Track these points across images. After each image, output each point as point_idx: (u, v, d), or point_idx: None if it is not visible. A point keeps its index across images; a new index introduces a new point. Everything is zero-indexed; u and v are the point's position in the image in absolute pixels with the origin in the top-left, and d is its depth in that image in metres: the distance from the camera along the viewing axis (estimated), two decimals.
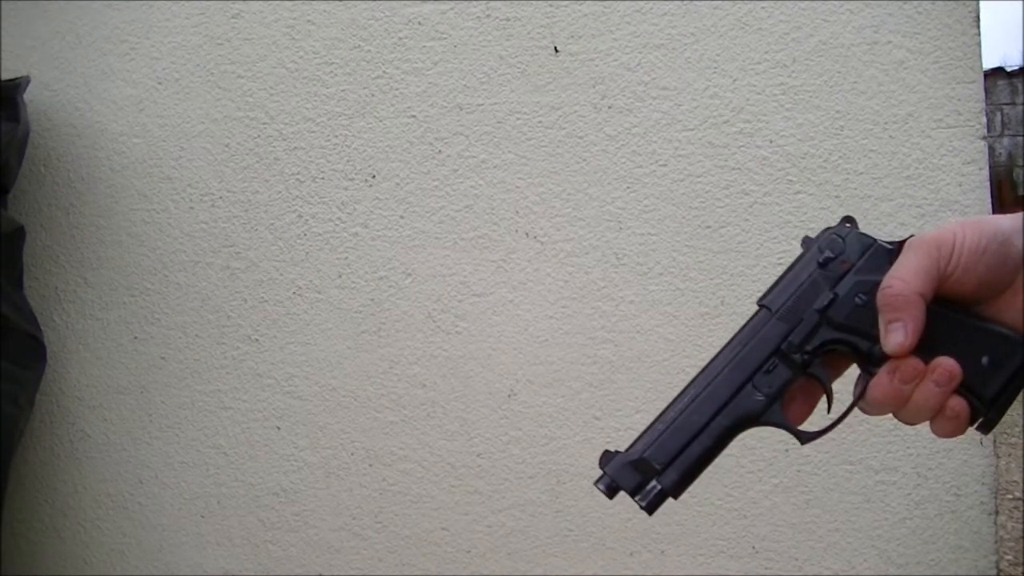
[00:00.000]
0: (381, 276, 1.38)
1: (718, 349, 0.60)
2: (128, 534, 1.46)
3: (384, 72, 1.37)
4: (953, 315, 0.56)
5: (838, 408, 0.59)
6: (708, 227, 1.29)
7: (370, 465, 1.39)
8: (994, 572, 1.25)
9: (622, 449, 0.59)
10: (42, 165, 1.48)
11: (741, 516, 1.29)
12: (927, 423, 0.57)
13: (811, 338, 0.58)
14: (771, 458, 1.28)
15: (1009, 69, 5.31)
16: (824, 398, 0.60)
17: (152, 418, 1.45)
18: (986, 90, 1.27)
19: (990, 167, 1.26)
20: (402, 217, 1.37)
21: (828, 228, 0.60)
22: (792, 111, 1.27)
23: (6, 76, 1.42)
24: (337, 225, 1.39)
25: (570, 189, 1.33)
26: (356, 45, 1.38)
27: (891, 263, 0.57)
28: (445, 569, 1.37)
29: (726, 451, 0.58)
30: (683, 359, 1.28)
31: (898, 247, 0.57)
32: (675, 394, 0.59)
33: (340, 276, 1.39)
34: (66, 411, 1.47)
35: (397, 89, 1.37)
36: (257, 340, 1.42)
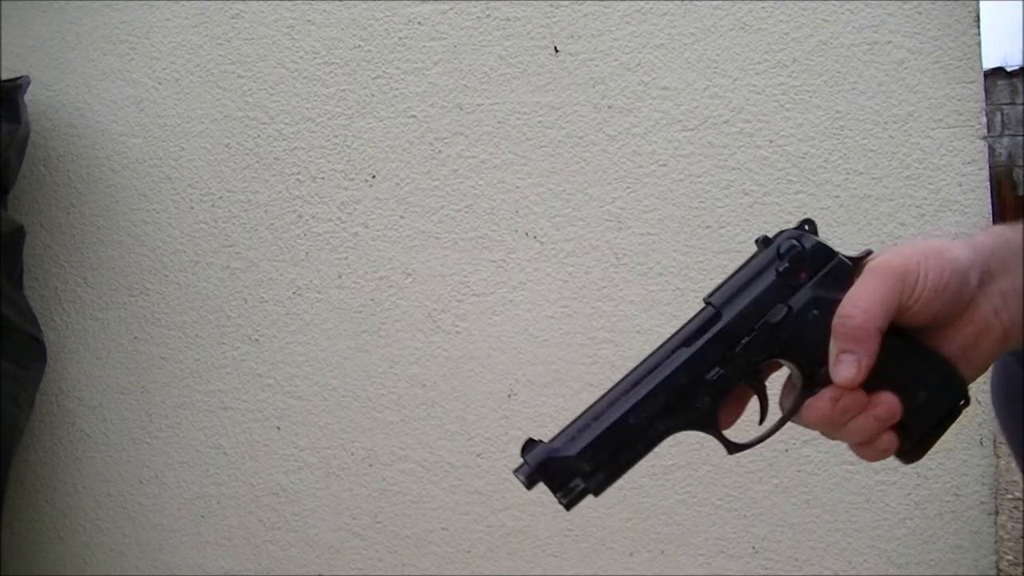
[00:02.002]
0: (381, 276, 1.38)
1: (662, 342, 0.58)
2: (128, 534, 1.46)
3: (384, 72, 1.37)
4: (900, 345, 0.54)
5: (771, 418, 0.58)
6: (708, 227, 1.29)
7: (370, 465, 1.39)
8: (994, 572, 1.25)
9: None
10: (42, 165, 1.48)
11: (741, 516, 1.29)
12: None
13: (759, 351, 0.56)
14: (771, 458, 1.28)
15: (1009, 69, 5.31)
16: (751, 403, 0.59)
17: (152, 418, 1.45)
18: (986, 90, 1.27)
19: (990, 167, 1.26)
20: (402, 217, 1.37)
21: (785, 231, 0.58)
22: (792, 111, 1.27)
23: (6, 76, 1.42)
24: (337, 225, 1.39)
25: (570, 189, 1.33)
26: (356, 45, 1.38)
27: (849, 280, 0.55)
28: (445, 569, 1.37)
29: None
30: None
31: (857, 264, 0.56)
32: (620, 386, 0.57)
33: (340, 276, 1.39)
34: (66, 411, 1.47)
35: (397, 89, 1.37)
36: (257, 340, 1.42)
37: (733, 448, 0.57)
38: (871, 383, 0.53)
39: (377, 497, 1.39)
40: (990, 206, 1.24)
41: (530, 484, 0.56)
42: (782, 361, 0.57)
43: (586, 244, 1.32)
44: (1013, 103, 5.33)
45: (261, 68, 1.41)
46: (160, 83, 1.44)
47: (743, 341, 0.56)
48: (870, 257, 0.56)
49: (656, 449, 0.57)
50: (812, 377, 0.56)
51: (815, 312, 0.55)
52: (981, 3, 1.21)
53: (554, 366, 1.33)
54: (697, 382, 0.56)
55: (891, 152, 1.24)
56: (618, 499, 1.32)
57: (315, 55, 1.39)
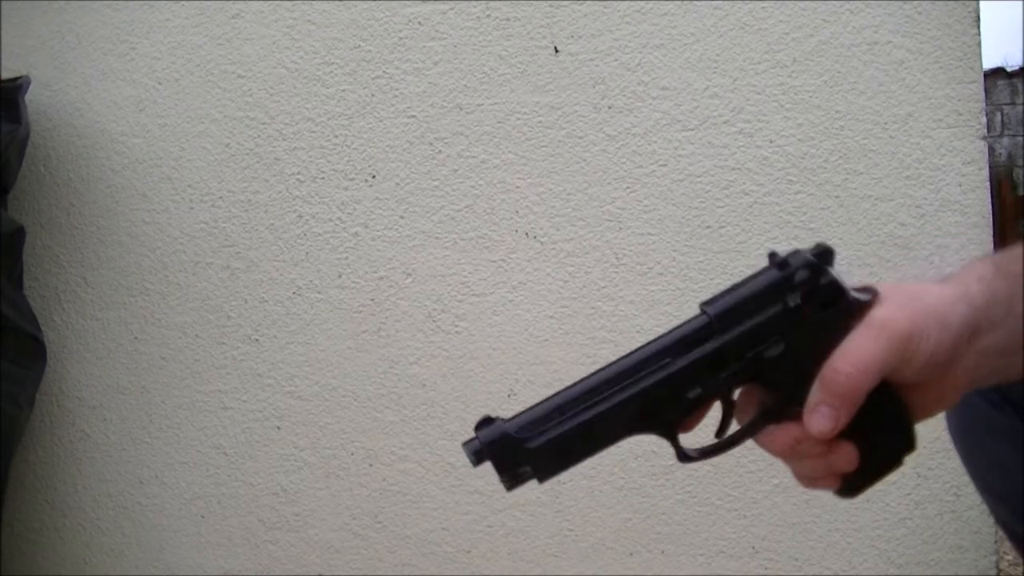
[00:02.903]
0: (381, 276, 1.38)
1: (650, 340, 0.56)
2: (128, 534, 1.46)
3: (384, 72, 1.37)
4: (871, 396, 0.53)
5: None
6: (708, 227, 1.29)
7: (370, 465, 1.39)
8: (994, 572, 1.25)
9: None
10: (42, 165, 1.48)
11: (741, 516, 1.29)
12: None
13: (744, 378, 0.55)
14: (771, 458, 1.27)
15: (1009, 69, 5.30)
16: (708, 413, 0.57)
17: (152, 418, 1.45)
18: (986, 90, 1.28)
19: (990, 167, 1.26)
20: (402, 217, 1.37)
21: (800, 254, 0.55)
22: (792, 111, 1.27)
23: (6, 76, 1.42)
24: (337, 225, 1.39)
25: (570, 189, 1.33)
26: (356, 45, 1.38)
27: (851, 323, 0.53)
28: (445, 569, 1.37)
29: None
30: None
31: (862, 307, 0.53)
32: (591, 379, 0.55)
33: (340, 276, 1.39)
34: (66, 411, 1.47)
35: (397, 89, 1.37)
36: (257, 340, 1.42)
37: (685, 458, 0.56)
38: None
39: (377, 497, 1.39)
40: (990, 206, 1.24)
41: (477, 461, 0.54)
42: (758, 385, 0.56)
43: (586, 244, 1.32)
44: (1013, 103, 5.33)
45: (261, 68, 1.41)
46: (160, 83, 1.44)
47: (731, 368, 0.54)
48: (875, 299, 0.54)
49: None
50: (780, 409, 0.55)
51: (809, 352, 0.53)
52: (981, 3, 1.22)
53: (554, 366, 1.33)
54: (674, 396, 0.54)
55: (891, 152, 1.24)
56: (618, 499, 1.32)
57: (315, 55, 1.39)
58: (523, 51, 1.33)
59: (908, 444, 0.56)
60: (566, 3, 1.32)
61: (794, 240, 1.27)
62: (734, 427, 0.57)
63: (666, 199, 1.30)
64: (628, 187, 1.31)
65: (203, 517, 1.44)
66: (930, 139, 1.23)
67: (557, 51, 1.32)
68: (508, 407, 1.35)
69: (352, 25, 1.38)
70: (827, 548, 1.28)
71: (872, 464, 0.55)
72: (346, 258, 1.39)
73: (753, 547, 1.29)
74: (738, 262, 1.27)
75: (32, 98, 1.42)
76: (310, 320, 1.40)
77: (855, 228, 1.25)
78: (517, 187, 1.34)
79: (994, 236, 1.23)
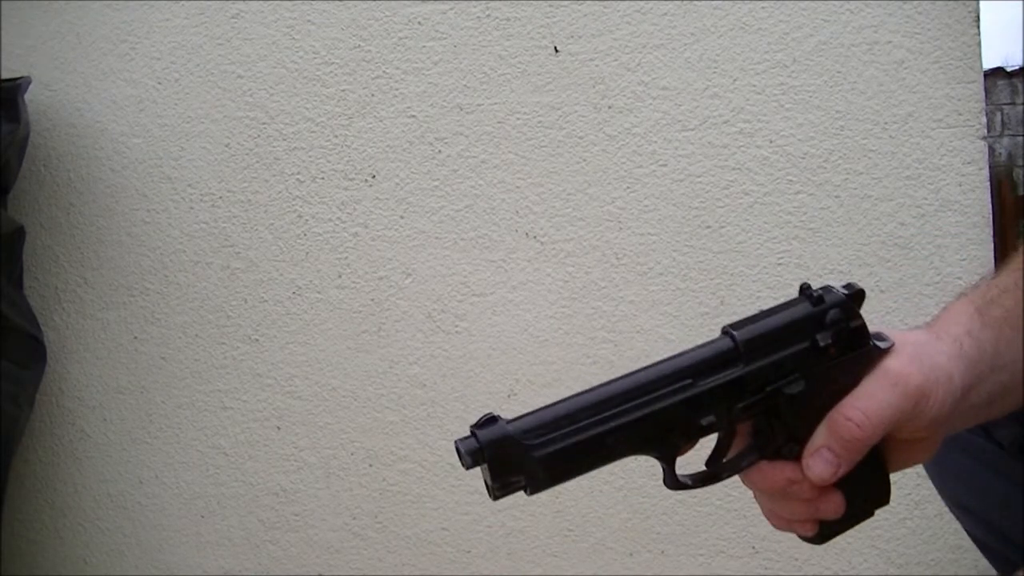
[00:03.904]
0: (381, 276, 1.38)
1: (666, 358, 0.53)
2: (128, 534, 1.46)
3: (384, 72, 1.37)
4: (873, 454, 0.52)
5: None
6: (708, 227, 1.29)
7: (370, 465, 1.39)
8: (994, 572, 1.25)
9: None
10: (42, 165, 1.48)
11: (741, 516, 1.29)
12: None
13: (757, 411, 0.53)
14: None
15: (1009, 69, 5.30)
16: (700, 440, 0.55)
17: (152, 418, 1.45)
18: (986, 90, 1.27)
19: (990, 167, 1.26)
20: (402, 217, 1.37)
21: (833, 292, 0.53)
22: (792, 111, 1.27)
23: (6, 76, 1.42)
24: (337, 225, 1.39)
25: (570, 189, 1.33)
26: (356, 45, 1.38)
27: (866, 368, 0.52)
28: (445, 569, 1.37)
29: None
30: None
31: (879, 354, 0.52)
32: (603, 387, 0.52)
33: (340, 276, 1.39)
34: (66, 411, 1.47)
35: (397, 89, 1.37)
36: (257, 340, 1.42)
37: (677, 485, 0.53)
38: None
39: (377, 497, 1.39)
40: (990, 206, 1.24)
41: (472, 462, 0.49)
42: (762, 421, 0.54)
43: (586, 244, 1.32)
44: (1013, 103, 5.33)
45: (261, 68, 1.41)
46: (160, 83, 1.44)
47: (748, 399, 0.52)
48: (890, 349, 0.53)
49: None
50: (777, 448, 0.53)
51: (821, 394, 0.52)
52: (981, 3, 1.22)
53: (554, 366, 1.33)
54: (688, 420, 0.52)
55: (891, 152, 1.24)
56: (618, 499, 1.32)
57: (315, 55, 1.39)
58: (523, 51, 1.33)
59: (886, 497, 0.55)
60: (566, 3, 1.32)
61: (795, 240, 1.27)
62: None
63: (666, 199, 1.30)
64: (628, 187, 1.31)
65: (203, 517, 1.44)
66: (930, 139, 1.23)
67: (557, 51, 1.32)
68: (508, 407, 1.35)
69: (352, 25, 1.38)
70: (827, 548, 1.28)
71: (850, 517, 0.54)
72: (346, 258, 1.39)
73: (753, 547, 1.29)
74: (738, 262, 1.27)
75: (32, 98, 1.42)
76: (310, 320, 1.40)
77: (855, 228, 1.25)
78: (517, 187, 1.34)
79: (994, 236, 1.23)
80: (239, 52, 1.42)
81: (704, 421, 0.52)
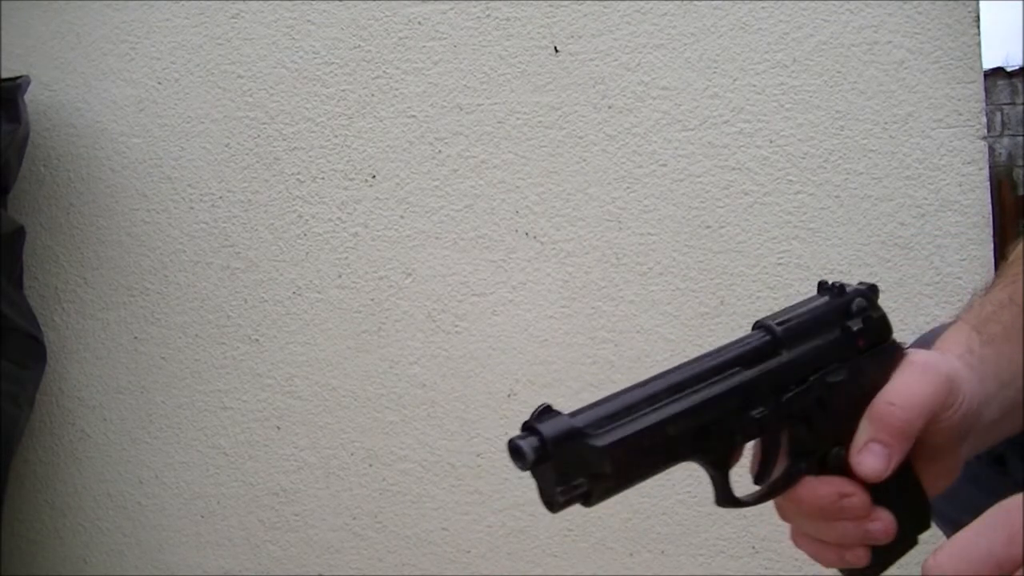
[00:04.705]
0: (381, 276, 1.38)
1: (703, 354, 0.52)
2: (128, 534, 1.46)
3: (384, 72, 1.37)
4: (907, 466, 0.50)
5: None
6: (708, 227, 1.29)
7: (370, 465, 1.39)
8: None
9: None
10: (42, 165, 1.48)
11: (741, 516, 1.29)
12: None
13: (803, 406, 0.50)
14: None
15: (1009, 69, 5.30)
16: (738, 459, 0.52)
17: (152, 418, 1.45)
18: (986, 90, 1.27)
19: (990, 167, 1.26)
20: (402, 217, 1.37)
21: (851, 287, 0.53)
22: (792, 111, 1.27)
23: (6, 76, 1.42)
24: (337, 225, 1.39)
25: (570, 189, 1.33)
26: (356, 45, 1.38)
27: (892, 366, 0.51)
28: (445, 569, 1.37)
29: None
30: (683, 359, 1.28)
31: (901, 352, 0.52)
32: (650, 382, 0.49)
33: (340, 276, 1.39)
34: (66, 411, 1.47)
35: (397, 89, 1.37)
36: (257, 340, 1.42)
37: (733, 502, 0.51)
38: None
39: (377, 497, 1.39)
40: (990, 206, 1.24)
41: (537, 460, 0.43)
42: (798, 430, 0.51)
43: (586, 244, 1.32)
44: (1013, 103, 5.33)
45: (261, 68, 1.41)
46: (160, 83, 1.44)
47: (794, 390, 0.50)
48: (909, 350, 0.52)
49: None
50: (823, 459, 0.51)
51: (859, 389, 0.50)
52: (981, 3, 1.21)
53: (554, 366, 1.33)
54: (743, 412, 0.49)
55: (891, 152, 1.24)
56: (618, 499, 1.32)
57: (315, 55, 1.39)
58: (523, 51, 1.33)
59: (927, 519, 0.53)
60: (566, 3, 1.32)
61: (795, 240, 1.27)
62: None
63: (666, 199, 1.30)
64: (628, 187, 1.31)
65: (203, 517, 1.44)
66: (930, 139, 1.23)
67: (557, 51, 1.32)
68: (508, 407, 1.35)
69: (352, 25, 1.38)
70: None
71: (899, 545, 0.52)
72: (346, 258, 1.39)
73: (753, 547, 1.29)
74: (738, 262, 1.27)
75: (32, 98, 1.42)
76: (310, 320, 1.40)
77: (855, 228, 1.25)
78: (517, 187, 1.34)
79: (994, 236, 1.23)
80: (239, 52, 1.42)
81: (755, 412, 0.49)
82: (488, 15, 1.34)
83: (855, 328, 0.51)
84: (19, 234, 1.41)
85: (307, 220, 1.40)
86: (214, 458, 1.44)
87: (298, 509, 1.41)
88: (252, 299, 1.42)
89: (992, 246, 1.23)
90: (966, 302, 0.62)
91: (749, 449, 0.53)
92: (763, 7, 1.27)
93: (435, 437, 1.37)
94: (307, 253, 1.40)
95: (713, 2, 1.28)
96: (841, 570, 0.54)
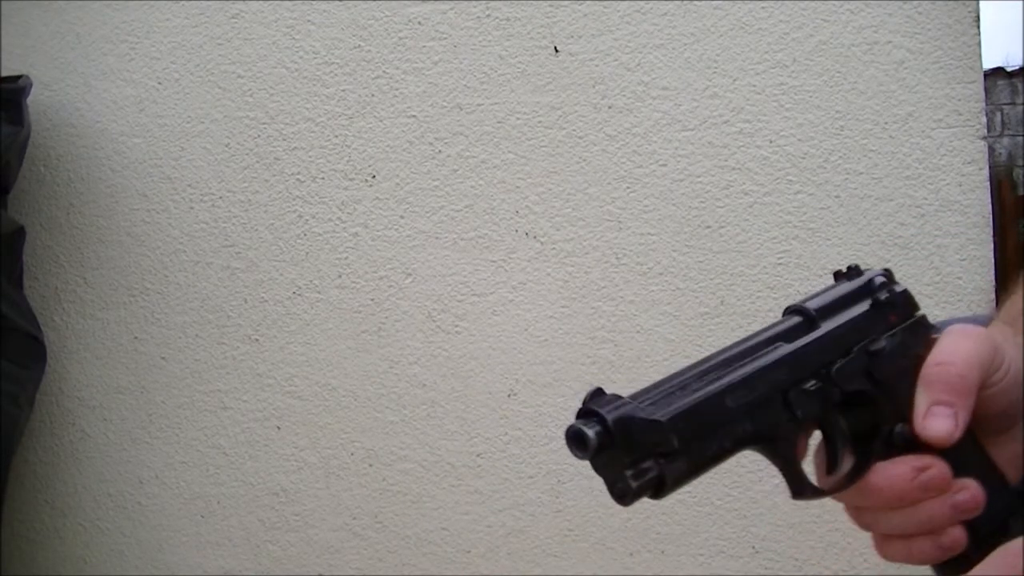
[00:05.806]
0: (381, 276, 1.38)
1: (735, 341, 0.50)
2: (128, 534, 1.46)
3: (384, 72, 1.37)
4: (974, 438, 0.48)
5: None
6: (708, 227, 1.29)
7: (370, 465, 1.39)
8: None
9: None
10: (42, 165, 1.48)
11: (741, 516, 1.29)
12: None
13: (852, 379, 0.49)
14: None
15: (1009, 69, 5.30)
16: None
17: (152, 418, 1.45)
18: (986, 90, 1.27)
19: (990, 167, 1.26)
20: (402, 217, 1.37)
21: (867, 269, 0.54)
22: (792, 111, 1.27)
23: (6, 76, 1.41)
24: (337, 225, 1.39)
25: (570, 189, 1.33)
26: (356, 45, 1.38)
27: (927, 336, 0.50)
28: (445, 569, 1.37)
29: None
30: (683, 359, 1.27)
31: (932, 328, 0.51)
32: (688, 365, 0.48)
33: (340, 276, 1.39)
34: (66, 411, 1.47)
35: (397, 89, 1.37)
36: (257, 340, 1.42)
37: (811, 491, 0.48)
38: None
39: (377, 497, 1.39)
40: (990, 206, 1.24)
41: (599, 447, 0.40)
42: (858, 413, 0.49)
43: (586, 244, 1.32)
44: (1013, 103, 5.33)
45: (261, 68, 1.41)
46: (160, 83, 1.44)
47: (839, 362, 0.49)
48: (951, 324, 0.51)
49: None
50: (888, 439, 0.49)
51: (904, 359, 0.49)
52: (981, 3, 1.21)
53: (554, 366, 1.33)
54: (797, 384, 0.47)
55: (891, 152, 1.24)
56: None
57: (315, 55, 1.39)
58: (523, 51, 1.33)
59: (1016, 501, 0.49)
60: (566, 3, 1.32)
61: (795, 240, 1.27)
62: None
63: (666, 199, 1.30)
64: (628, 187, 1.31)
65: (203, 517, 1.44)
66: (930, 139, 1.23)
67: (557, 51, 1.32)
68: (508, 407, 1.35)
69: (352, 25, 1.38)
70: (827, 548, 1.28)
71: (990, 519, 0.48)
72: (346, 258, 1.39)
73: (753, 547, 1.29)
74: (738, 262, 1.27)
75: (32, 98, 1.42)
76: (310, 320, 1.40)
77: (855, 228, 1.25)
78: (517, 187, 1.34)
79: (994, 236, 1.23)
80: (239, 52, 1.42)
81: (809, 385, 0.47)
82: (488, 15, 1.34)
83: (884, 298, 0.51)
84: (19, 234, 1.41)
85: (307, 220, 1.40)
86: (214, 458, 1.44)
87: (298, 509, 1.41)
88: (252, 299, 1.42)
89: (992, 246, 1.23)
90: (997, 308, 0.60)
91: (811, 448, 0.52)
92: (763, 7, 1.27)
93: (435, 437, 1.37)
94: (307, 253, 1.40)
95: (713, 2, 1.28)
96: (941, 568, 0.50)
